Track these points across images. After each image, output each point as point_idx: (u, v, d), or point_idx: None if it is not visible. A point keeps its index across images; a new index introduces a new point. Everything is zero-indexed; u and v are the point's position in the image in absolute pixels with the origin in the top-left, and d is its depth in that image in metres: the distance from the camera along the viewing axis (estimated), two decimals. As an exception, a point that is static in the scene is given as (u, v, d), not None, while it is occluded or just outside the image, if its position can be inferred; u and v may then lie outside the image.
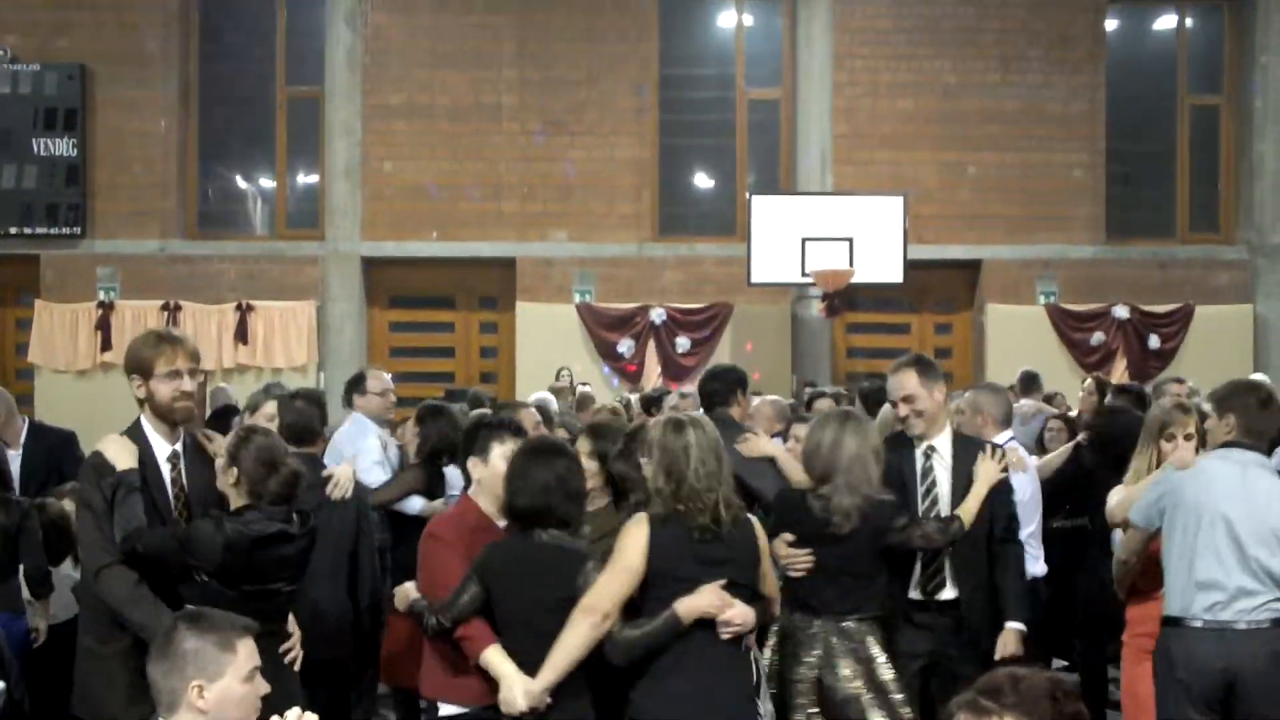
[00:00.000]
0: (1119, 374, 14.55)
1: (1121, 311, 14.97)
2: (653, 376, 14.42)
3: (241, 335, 14.53)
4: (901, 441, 5.20)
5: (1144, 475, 4.99)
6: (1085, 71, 15.08)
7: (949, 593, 5.01)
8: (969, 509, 4.93)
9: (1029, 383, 10.92)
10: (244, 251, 15.06)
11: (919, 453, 5.11)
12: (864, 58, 14.95)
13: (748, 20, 15.73)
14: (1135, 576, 4.92)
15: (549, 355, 14.08)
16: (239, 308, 14.55)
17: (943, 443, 5.13)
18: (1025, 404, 9.76)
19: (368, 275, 15.09)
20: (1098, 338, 14.96)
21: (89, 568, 4.12)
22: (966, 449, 5.14)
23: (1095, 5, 15.15)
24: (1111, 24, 15.63)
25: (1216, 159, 15.75)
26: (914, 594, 5.01)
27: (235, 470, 4.15)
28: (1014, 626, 4.96)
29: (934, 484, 5.07)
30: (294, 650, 4.30)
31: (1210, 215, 15.81)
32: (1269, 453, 4.84)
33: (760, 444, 5.73)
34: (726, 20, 15.77)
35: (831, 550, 4.68)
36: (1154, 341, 14.98)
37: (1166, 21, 16.02)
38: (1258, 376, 8.89)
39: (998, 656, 4.84)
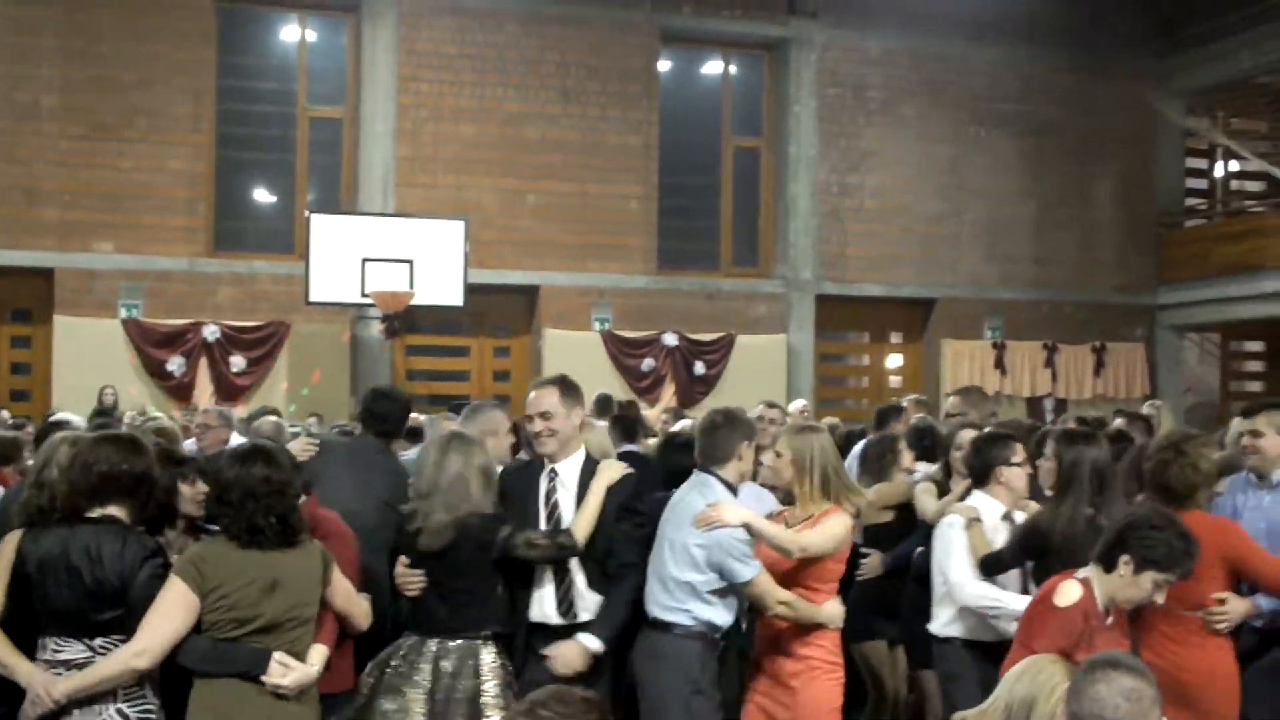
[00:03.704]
0: (667, 398, 15.83)
1: (671, 339, 16.33)
2: (205, 396, 14.38)
3: None
4: (530, 465, 5.42)
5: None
6: (641, 107, 16.40)
7: (585, 615, 5.09)
8: (580, 523, 5.05)
9: (604, 405, 11.72)
10: None
11: (544, 474, 5.23)
12: (429, 81, 15.59)
13: (311, 36, 16.09)
14: None
15: (91, 373, 13.85)
16: None
17: (571, 465, 5.22)
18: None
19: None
20: (649, 363, 16.23)
21: None
22: (591, 471, 5.24)
23: (650, 45, 16.52)
24: (665, 64, 17.09)
25: (756, 198, 17.50)
26: (555, 618, 5.11)
27: None
28: (584, 640, 5.01)
29: (556, 505, 5.18)
30: None
31: (751, 250, 17.53)
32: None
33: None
34: (289, 34, 16.07)
35: (436, 567, 4.90)
36: (700, 368, 16.44)
37: (714, 66, 17.68)
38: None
39: (559, 669, 4.94)
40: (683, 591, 5.01)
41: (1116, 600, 4.41)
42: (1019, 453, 5.63)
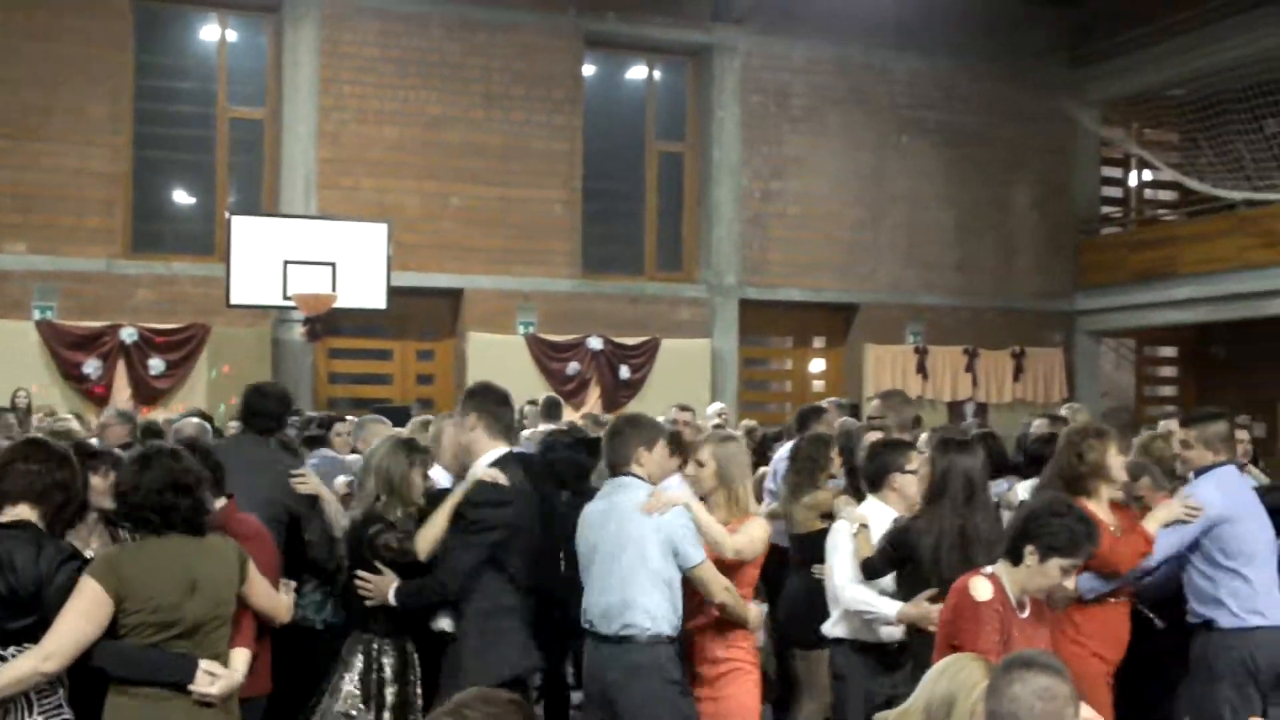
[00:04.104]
0: (592, 402, 15.90)
1: (596, 343, 16.40)
2: (123, 399, 14.22)
3: None
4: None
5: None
6: (565, 112, 16.48)
7: (444, 624, 5.18)
8: (422, 534, 5.15)
9: (551, 409, 11.79)
10: None
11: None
12: (351, 83, 15.57)
13: (231, 36, 16.01)
14: None
15: (3, 375, 13.58)
16: None
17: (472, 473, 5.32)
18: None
19: None
20: (573, 367, 16.30)
21: None
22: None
23: (574, 50, 16.62)
24: (589, 69, 17.18)
25: (680, 203, 17.65)
26: (442, 624, 5.21)
27: None
28: (391, 584, 5.15)
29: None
30: None
31: (675, 255, 17.67)
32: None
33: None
34: (209, 34, 15.97)
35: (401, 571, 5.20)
36: (625, 372, 16.53)
37: (638, 71, 17.81)
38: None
39: (360, 588, 5.19)
40: (659, 594, 5.10)
41: (1028, 590, 4.49)
42: (913, 460, 5.72)
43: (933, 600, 5.11)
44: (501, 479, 5.07)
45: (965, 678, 3.40)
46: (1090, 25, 18.89)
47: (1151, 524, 5.69)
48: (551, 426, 11.06)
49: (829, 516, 6.63)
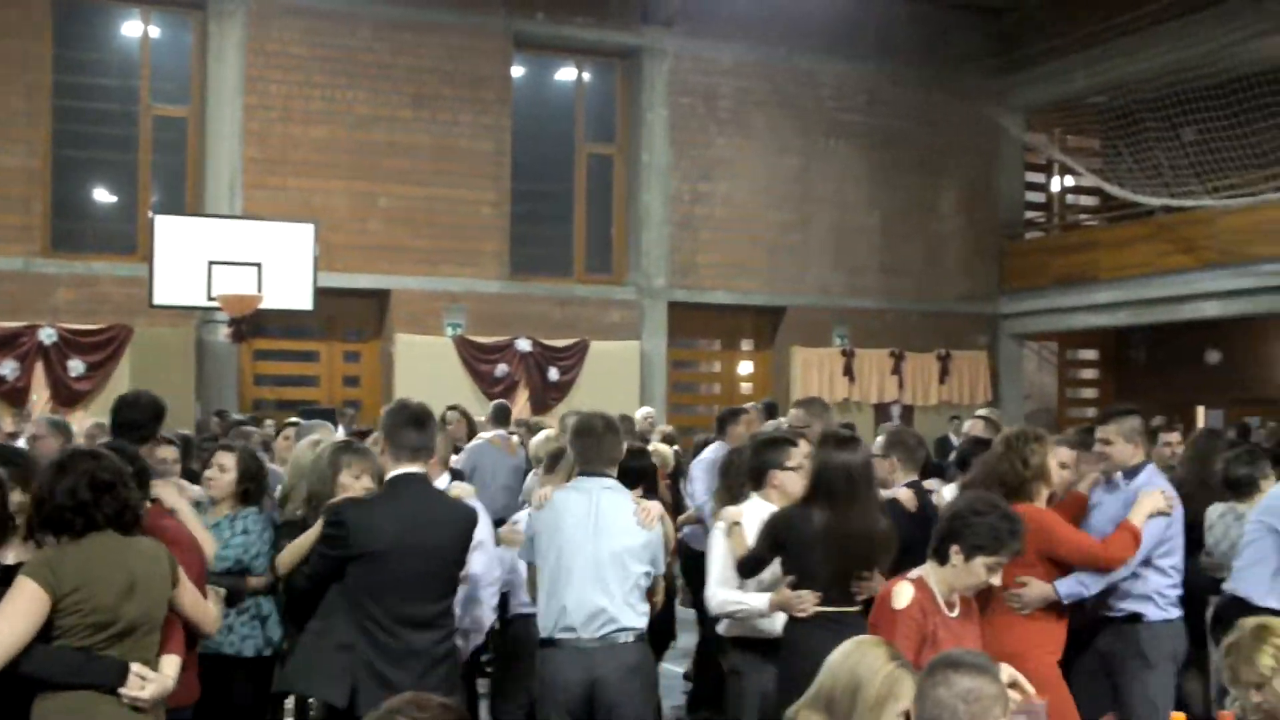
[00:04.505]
0: (521, 404, 15.89)
1: (524, 345, 16.41)
2: (42, 401, 14.00)
3: None
4: None
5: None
6: (494, 113, 16.47)
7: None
8: (291, 547, 5.26)
9: (501, 414, 11.77)
10: None
11: None
12: (277, 82, 15.44)
13: (154, 32, 15.82)
14: None
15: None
16: None
17: None
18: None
19: None
20: (502, 369, 16.28)
21: None
22: None
23: (503, 51, 16.61)
24: (518, 70, 17.17)
25: (610, 205, 17.70)
26: None
27: None
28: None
29: None
30: None
31: (604, 257, 17.72)
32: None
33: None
34: (131, 29, 15.75)
35: None
36: (554, 374, 16.54)
37: (568, 73, 17.84)
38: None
39: None
40: (635, 595, 5.26)
41: (956, 589, 4.56)
42: (793, 456, 5.73)
43: (793, 588, 5.23)
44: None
45: (871, 661, 3.40)
46: (1015, 33, 19.22)
47: (1137, 517, 5.79)
48: (502, 431, 11.11)
49: None
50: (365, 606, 4.82)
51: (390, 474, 5.06)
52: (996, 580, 4.61)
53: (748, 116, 17.92)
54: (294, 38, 15.57)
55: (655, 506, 5.46)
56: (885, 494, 6.12)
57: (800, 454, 5.73)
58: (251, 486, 6.02)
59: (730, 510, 5.75)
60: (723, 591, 5.58)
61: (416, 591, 4.86)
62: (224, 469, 6.02)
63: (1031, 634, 5.38)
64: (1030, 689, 3.90)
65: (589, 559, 5.20)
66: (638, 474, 6.75)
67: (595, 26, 17.16)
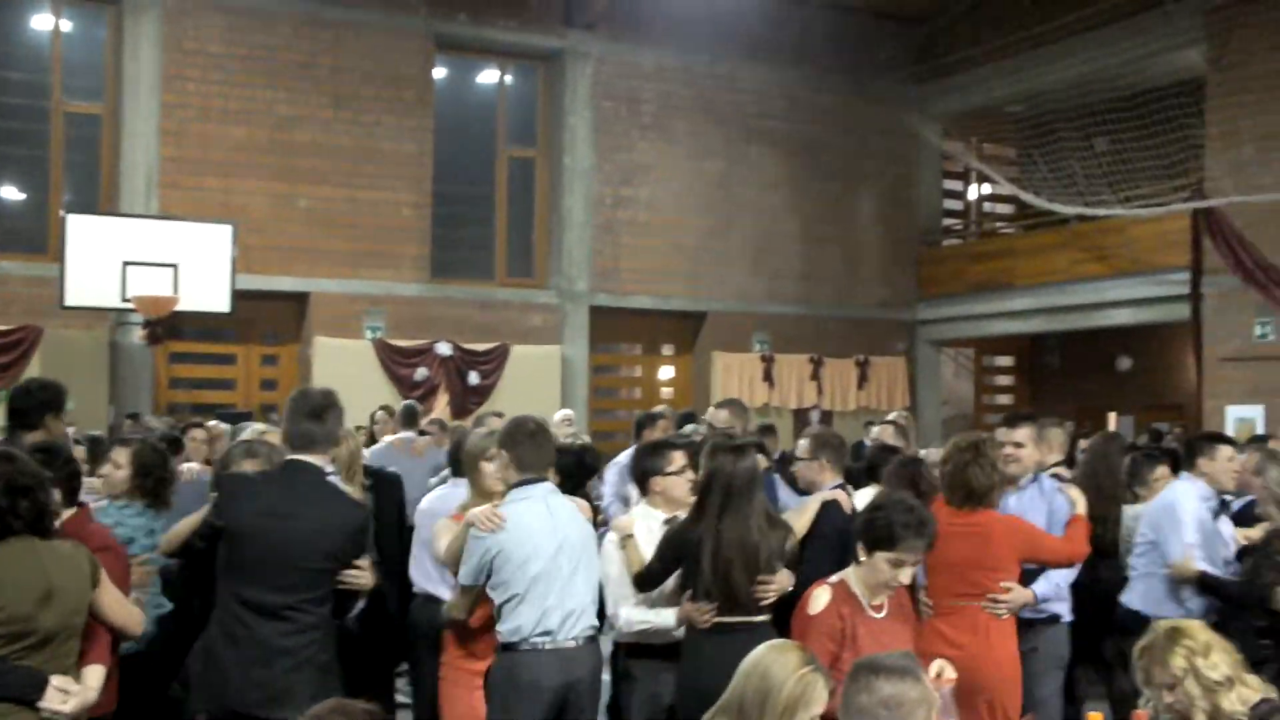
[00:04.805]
0: (441, 408, 15.79)
1: (444, 348, 16.31)
2: (-53, 405, 13.65)
3: None
4: None
5: None
6: (415, 114, 16.36)
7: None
8: (175, 528, 5.34)
9: (409, 416, 11.69)
10: None
11: None
12: (195, 80, 15.23)
13: (66, 26, 15.50)
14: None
15: None
16: None
17: None
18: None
19: None
20: (422, 373, 16.18)
21: None
22: None
23: (425, 52, 16.51)
24: (440, 72, 17.09)
25: (532, 208, 17.67)
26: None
27: None
28: None
29: None
30: None
31: (526, 261, 17.68)
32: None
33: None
34: (42, 23, 15.43)
35: None
36: (474, 378, 16.47)
37: (490, 75, 17.79)
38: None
39: None
40: (595, 592, 5.38)
41: (871, 588, 4.59)
42: (674, 461, 5.78)
43: (692, 600, 5.29)
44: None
45: (780, 668, 3.40)
46: (933, 42, 19.48)
47: (1081, 510, 5.94)
48: (410, 434, 11.06)
49: None
50: (221, 585, 4.80)
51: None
52: (905, 578, 4.60)
53: (670, 121, 17.98)
54: (212, 35, 15.35)
55: (585, 504, 5.56)
56: (820, 496, 6.19)
57: (681, 458, 5.79)
58: (148, 481, 5.98)
59: (621, 521, 5.78)
60: (628, 610, 5.59)
61: (268, 578, 4.74)
62: (118, 465, 6.04)
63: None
64: (951, 675, 3.98)
65: (561, 564, 5.17)
66: (589, 470, 6.82)
67: (518, 29, 17.12)
